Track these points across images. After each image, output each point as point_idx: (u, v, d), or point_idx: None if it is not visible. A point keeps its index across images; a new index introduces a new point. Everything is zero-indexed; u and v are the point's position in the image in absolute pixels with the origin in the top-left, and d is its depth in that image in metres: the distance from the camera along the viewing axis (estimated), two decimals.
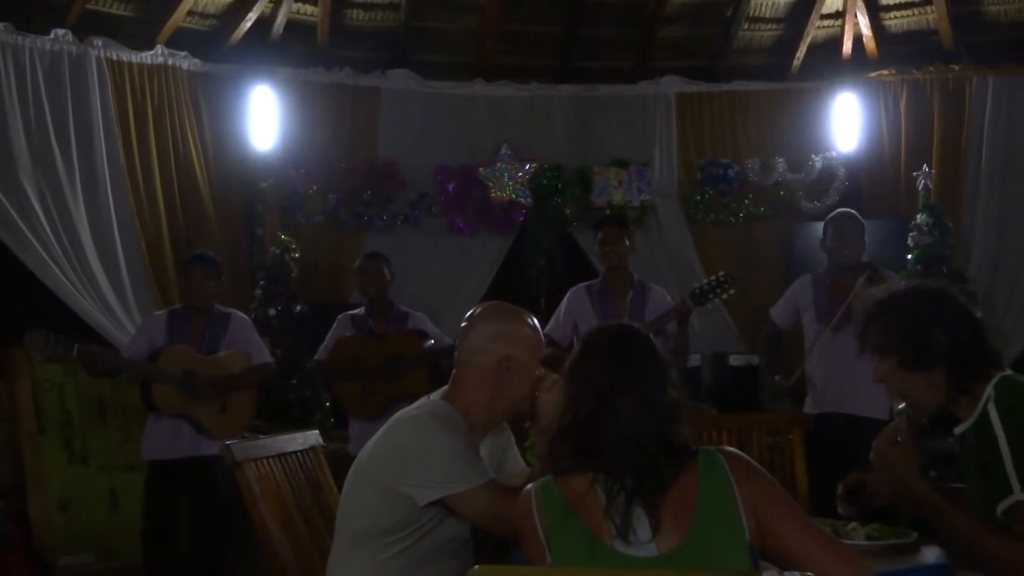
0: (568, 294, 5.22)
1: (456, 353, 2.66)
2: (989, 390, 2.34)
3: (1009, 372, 2.40)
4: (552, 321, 5.15)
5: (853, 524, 2.78)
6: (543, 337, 2.70)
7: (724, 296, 5.01)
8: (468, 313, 2.71)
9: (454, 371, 2.66)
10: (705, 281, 5.00)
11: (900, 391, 2.48)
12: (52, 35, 5.92)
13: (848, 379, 4.57)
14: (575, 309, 5.10)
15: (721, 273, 5.01)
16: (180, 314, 5.03)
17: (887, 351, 2.45)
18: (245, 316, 5.17)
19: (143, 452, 4.93)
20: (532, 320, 2.67)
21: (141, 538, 4.90)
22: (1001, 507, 2.25)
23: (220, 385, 4.84)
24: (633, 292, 5.07)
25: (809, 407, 4.83)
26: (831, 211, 5.24)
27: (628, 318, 4.85)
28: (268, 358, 5.16)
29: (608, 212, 6.83)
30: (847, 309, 4.56)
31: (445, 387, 2.67)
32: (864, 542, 2.66)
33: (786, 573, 1.70)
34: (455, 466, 2.43)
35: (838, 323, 4.65)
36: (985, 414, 2.33)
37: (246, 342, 5.05)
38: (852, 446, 4.62)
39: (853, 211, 5.12)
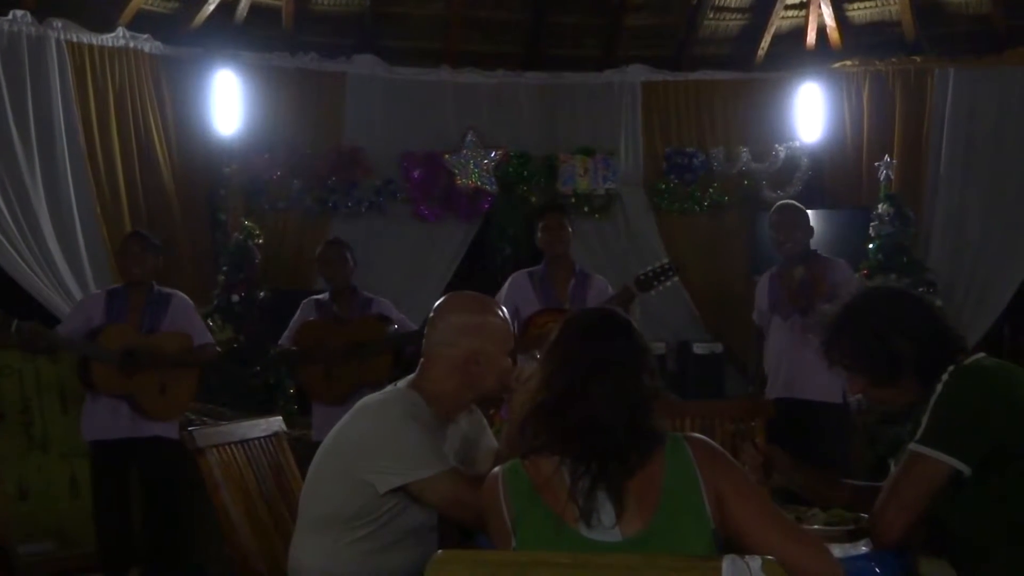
0: (510, 279, 5.25)
1: (424, 342, 2.66)
2: (944, 377, 2.39)
3: (966, 360, 2.44)
4: None
5: (814, 510, 2.80)
6: (510, 327, 2.70)
7: (668, 283, 5.00)
8: (437, 303, 2.71)
9: (421, 360, 2.66)
10: (649, 268, 4.97)
11: (878, 402, 2.54)
12: (11, 16, 5.83)
13: (799, 365, 4.66)
14: (517, 295, 5.13)
15: (665, 260, 5.02)
16: (119, 293, 4.90)
17: (855, 371, 2.49)
18: (186, 297, 5.04)
19: (83, 432, 4.83)
20: (501, 311, 2.67)
21: (94, 522, 4.83)
22: (907, 447, 2.37)
23: (161, 364, 4.74)
24: (575, 279, 5.12)
25: (768, 393, 4.92)
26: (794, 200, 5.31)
27: (569, 305, 4.89)
28: (209, 338, 5.07)
29: (586, 199, 6.85)
30: (787, 297, 4.69)
31: (412, 375, 2.66)
32: (824, 527, 2.68)
33: (747, 557, 1.70)
34: (417, 454, 2.43)
35: (784, 311, 4.76)
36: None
37: (187, 322, 4.94)
38: (807, 431, 4.69)
39: (791, 202, 5.21)
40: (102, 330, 4.70)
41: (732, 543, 1.96)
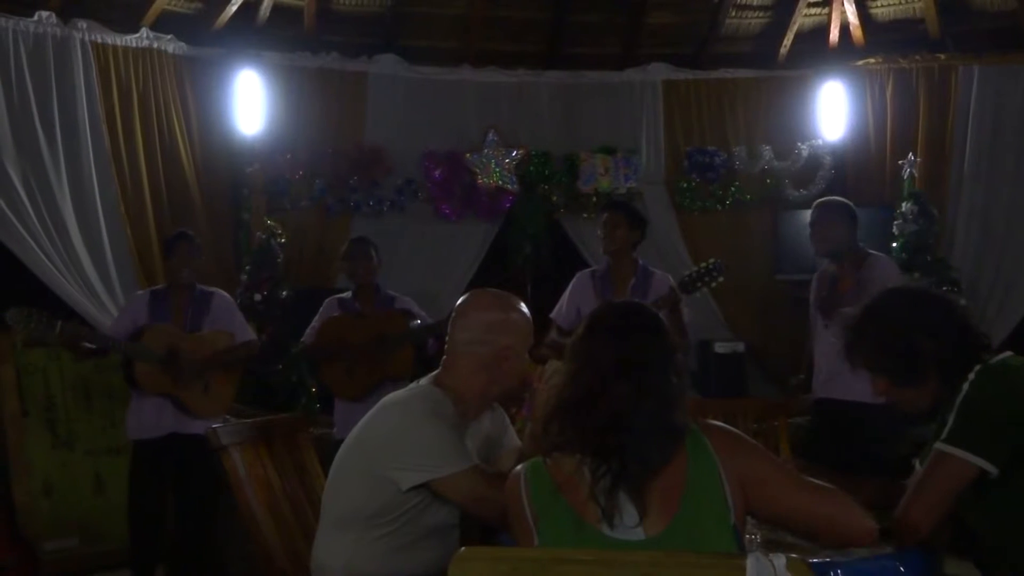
0: (574, 279, 5.22)
1: (447, 340, 2.66)
2: (970, 376, 2.37)
3: (994, 359, 2.42)
4: (557, 306, 5.17)
5: None
6: (531, 323, 2.70)
7: (713, 284, 4.94)
8: (459, 300, 2.71)
9: (444, 357, 2.66)
10: (694, 269, 4.94)
11: (902, 403, 2.53)
12: (36, 17, 5.87)
13: (840, 365, 4.58)
14: (578, 294, 5.11)
15: (711, 260, 4.94)
16: (162, 293, 4.99)
17: (878, 371, 2.48)
18: (227, 294, 5.12)
19: (128, 432, 4.89)
20: (522, 305, 2.68)
21: (128, 519, 4.87)
22: (933, 447, 2.36)
23: (204, 364, 4.80)
24: (636, 278, 5.05)
25: (814, 393, 4.85)
26: (817, 199, 5.22)
27: None
28: (251, 335, 5.14)
29: (607, 198, 6.82)
30: (832, 298, 4.60)
31: (435, 371, 2.67)
32: None
33: (771, 555, 1.69)
34: (440, 451, 2.44)
35: (824, 310, 4.68)
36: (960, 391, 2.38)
37: (229, 320, 5.02)
38: (849, 431, 4.64)
39: (832, 198, 5.05)
40: (146, 330, 4.75)
41: (771, 523, 2.00)
